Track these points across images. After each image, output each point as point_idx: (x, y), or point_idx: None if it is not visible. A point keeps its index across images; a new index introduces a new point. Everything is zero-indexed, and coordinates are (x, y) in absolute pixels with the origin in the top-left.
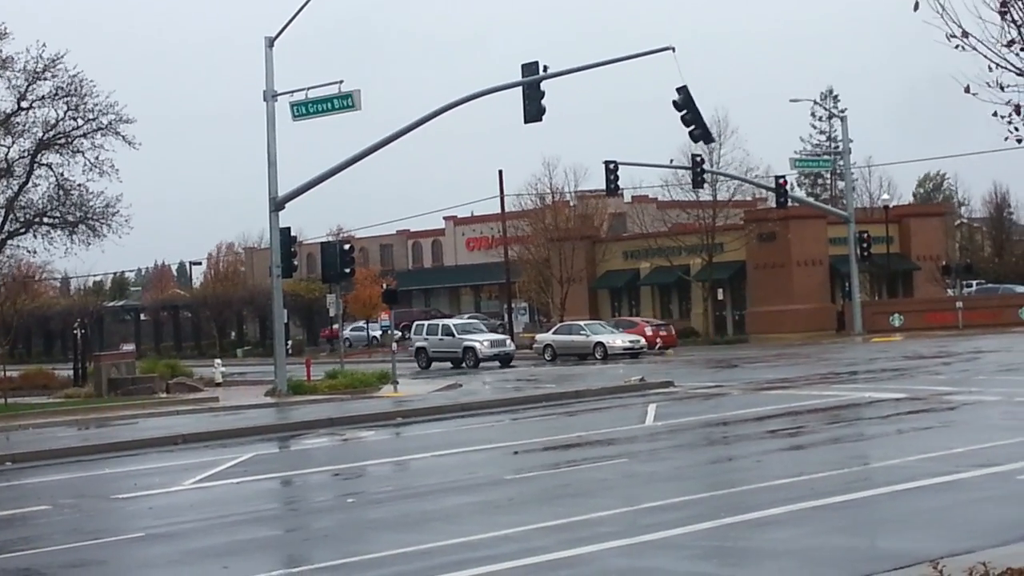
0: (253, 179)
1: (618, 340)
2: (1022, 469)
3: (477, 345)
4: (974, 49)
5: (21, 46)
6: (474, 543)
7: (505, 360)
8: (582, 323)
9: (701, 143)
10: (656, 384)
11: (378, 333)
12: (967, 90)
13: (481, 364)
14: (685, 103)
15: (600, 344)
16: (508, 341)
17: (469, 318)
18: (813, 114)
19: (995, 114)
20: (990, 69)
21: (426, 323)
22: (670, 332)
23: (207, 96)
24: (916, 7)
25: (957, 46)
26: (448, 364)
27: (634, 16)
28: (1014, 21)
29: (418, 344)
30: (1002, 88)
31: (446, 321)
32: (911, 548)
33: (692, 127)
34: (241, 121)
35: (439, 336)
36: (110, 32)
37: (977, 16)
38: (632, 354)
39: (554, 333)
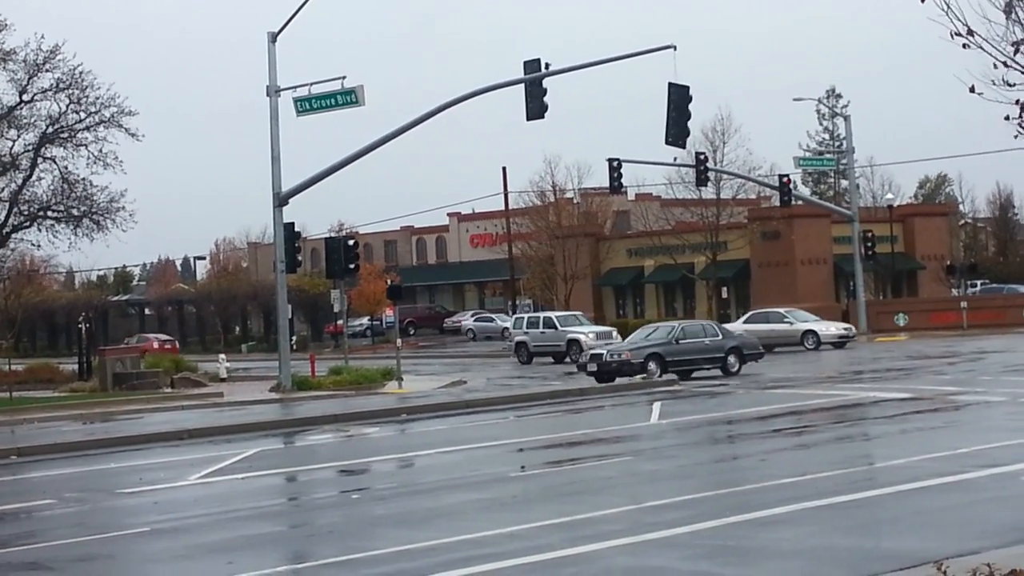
0: (257, 174)
1: (832, 328)
2: None
3: (582, 338)
4: (980, 48)
5: (20, 39)
6: (478, 540)
7: None
8: (781, 310)
9: (677, 143)
10: (661, 382)
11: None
12: (972, 89)
13: None
14: (678, 101)
15: (811, 332)
16: (614, 333)
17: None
18: (818, 111)
19: (1007, 117)
20: (995, 67)
21: (526, 316)
22: (174, 345)
23: (210, 91)
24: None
25: (964, 45)
26: (549, 359)
27: (638, 13)
28: (1019, 21)
29: (518, 338)
30: (1009, 85)
31: (548, 313)
32: (916, 548)
33: (672, 126)
34: (244, 116)
35: (540, 329)
36: (112, 26)
37: (983, 16)
38: (842, 341)
39: (746, 322)
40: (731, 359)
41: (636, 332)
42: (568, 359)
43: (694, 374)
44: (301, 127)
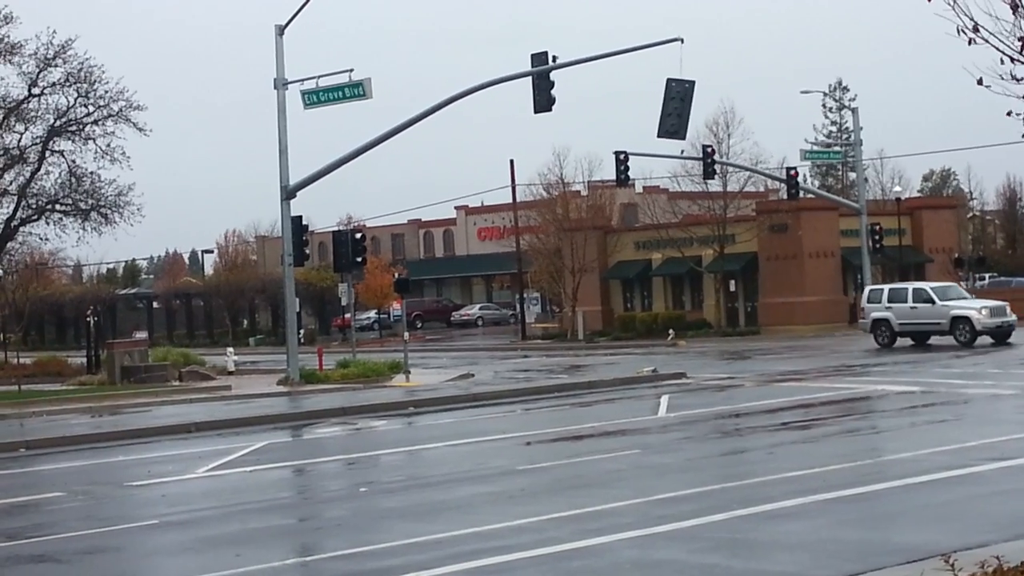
0: (265, 167)
1: None
2: None
3: (973, 314)
4: (986, 42)
5: (29, 32)
6: (487, 533)
7: (1004, 335)
8: None
9: (675, 136)
10: (668, 375)
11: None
12: (980, 82)
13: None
14: (681, 94)
15: None
16: (1008, 309)
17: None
18: (824, 104)
19: (1009, 113)
20: (1002, 62)
21: (886, 288)
22: None
23: (218, 84)
24: None
25: (970, 41)
26: (909, 340)
27: (645, 4)
28: None
29: (876, 315)
30: (1016, 80)
31: (920, 285)
32: (923, 541)
33: (670, 116)
34: (252, 109)
35: (909, 304)
36: (118, 18)
37: (991, 14)
38: None
39: None
40: None
41: None
42: (956, 338)
43: None
44: (309, 120)
